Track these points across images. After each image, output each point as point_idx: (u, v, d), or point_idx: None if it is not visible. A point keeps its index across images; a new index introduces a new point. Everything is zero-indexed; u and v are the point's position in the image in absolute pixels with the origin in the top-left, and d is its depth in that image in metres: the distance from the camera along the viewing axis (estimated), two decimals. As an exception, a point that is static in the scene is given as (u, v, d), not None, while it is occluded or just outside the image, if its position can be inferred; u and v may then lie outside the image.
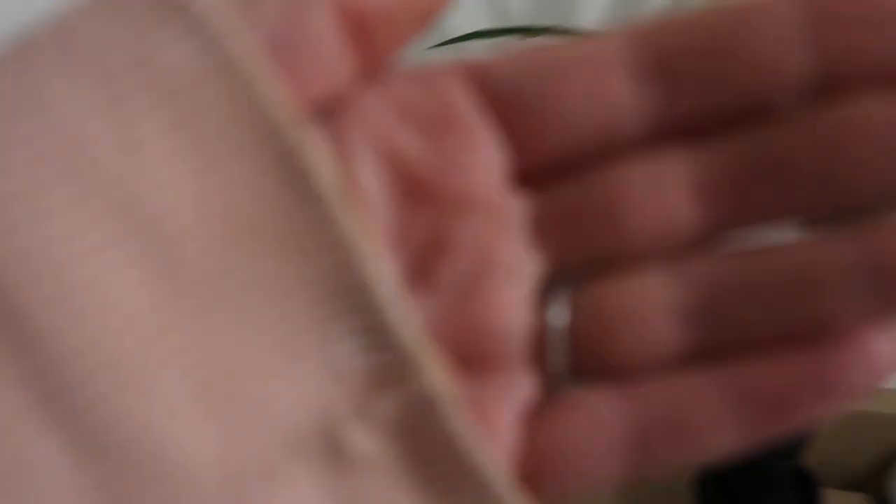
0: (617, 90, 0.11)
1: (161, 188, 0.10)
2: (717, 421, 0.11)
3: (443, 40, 0.44)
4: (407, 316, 0.10)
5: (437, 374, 0.11)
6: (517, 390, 0.12)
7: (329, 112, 0.11)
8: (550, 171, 0.12)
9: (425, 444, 0.11)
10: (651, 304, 0.11)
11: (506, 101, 0.12)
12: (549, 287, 0.12)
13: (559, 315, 0.12)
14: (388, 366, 0.10)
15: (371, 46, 0.11)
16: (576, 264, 0.12)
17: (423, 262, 0.12)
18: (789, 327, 0.11)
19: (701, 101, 0.11)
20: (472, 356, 0.12)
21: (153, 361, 0.09)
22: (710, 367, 0.11)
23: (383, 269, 0.10)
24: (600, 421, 0.11)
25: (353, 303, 0.10)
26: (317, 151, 0.10)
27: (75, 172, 0.09)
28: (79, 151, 0.09)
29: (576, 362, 0.12)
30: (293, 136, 0.10)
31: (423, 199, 0.12)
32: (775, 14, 0.10)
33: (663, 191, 0.11)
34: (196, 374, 0.10)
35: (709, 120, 0.11)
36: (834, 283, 0.11)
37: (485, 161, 0.12)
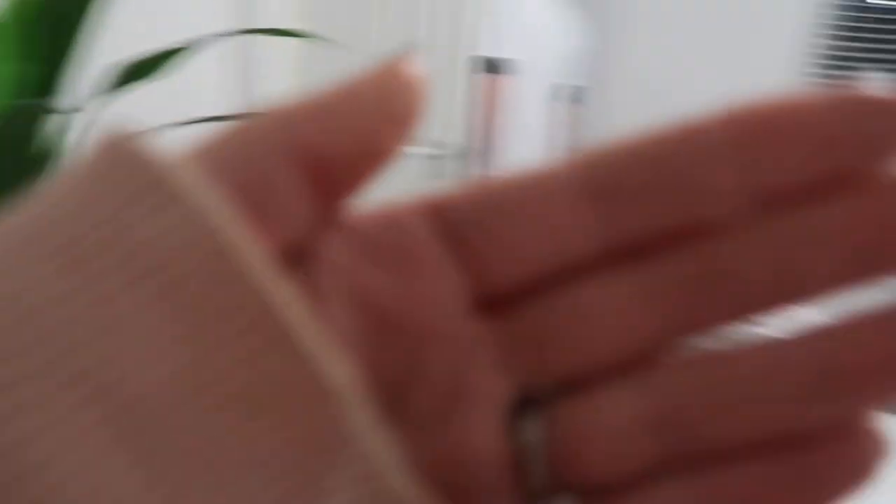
0: (566, 218, 0.12)
1: (143, 366, 0.10)
2: None
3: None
4: (398, 459, 0.11)
5: None
6: None
7: (297, 257, 0.12)
8: (512, 296, 0.12)
9: None
10: (620, 417, 0.12)
11: (464, 233, 0.12)
12: (520, 407, 0.12)
13: (533, 434, 0.12)
14: None
15: (332, 191, 0.12)
16: (544, 384, 0.12)
17: (397, 393, 0.12)
18: (756, 432, 0.11)
19: (644, 221, 0.12)
20: (453, 485, 0.12)
21: None
22: (686, 477, 0.12)
23: (371, 417, 0.10)
24: None
25: (345, 454, 0.10)
26: (296, 305, 0.10)
27: (53, 363, 0.09)
28: (56, 340, 0.09)
29: (554, 479, 0.12)
30: (274, 294, 0.10)
31: (393, 333, 0.12)
32: (705, 138, 0.11)
33: (618, 307, 0.12)
34: None
35: (655, 237, 0.12)
36: (794, 385, 0.11)
37: (448, 293, 0.12)
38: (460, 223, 0.12)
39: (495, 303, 0.12)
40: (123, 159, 0.10)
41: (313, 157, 0.11)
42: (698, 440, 0.12)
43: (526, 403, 0.12)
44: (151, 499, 0.09)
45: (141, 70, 0.57)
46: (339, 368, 0.10)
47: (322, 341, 0.10)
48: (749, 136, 0.11)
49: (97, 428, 0.09)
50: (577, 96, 1.98)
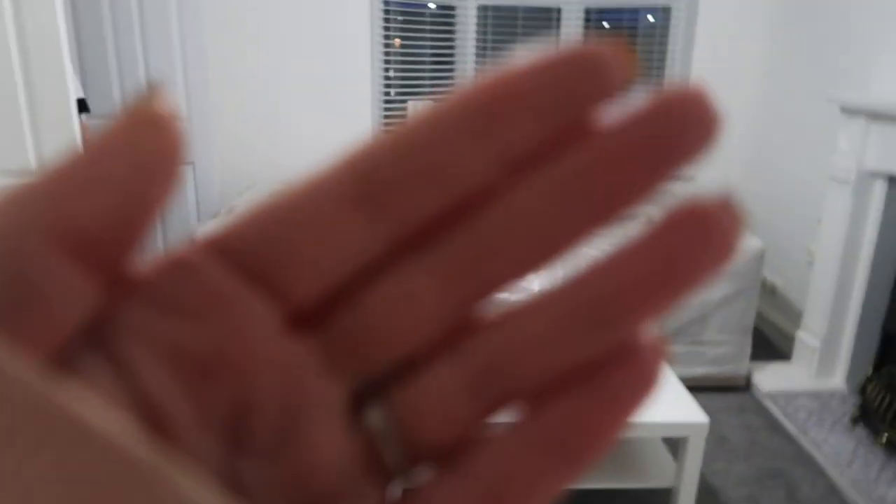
0: (340, 225, 0.12)
1: None
2: (538, 469, 0.13)
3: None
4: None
5: None
6: (370, 501, 0.13)
7: (96, 334, 0.11)
8: (319, 305, 0.13)
9: None
10: (441, 385, 0.13)
11: (251, 262, 0.12)
12: (359, 402, 0.13)
13: (378, 421, 0.13)
14: None
15: (106, 257, 0.11)
16: (371, 376, 0.13)
17: (237, 431, 0.12)
18: (553, 369, 0.13)
19: (411, 211, 0.12)
20: (318, 495, 0.12)
21: None
22: (517, 426, 0.13)
23: (207, 487, 0.10)
24: (447, 500, 0.13)
25: None
26: (89, 400, 0.09)
27: None
28: None
29: (409, 456, 0.13)
30: (60, 399, 0.09)
31: (215, 377, 0.12)
32: (446, 120, 0.12)
33: (413, 294, 0.13)
34: None
35: (429, 220, 0.13)
36: (572, 321, 0.13)
37: (256, 322, 0.12)
38: (245, 253, 0.12)
39: (305, 316, 0.13)
40: None
41: (76, 232, 0.11)
42: (508, 388, 0.13)
43: (363, 396, 0.13)
44: None
45: None
46: (154, 447, 0.09)
47: (126, 424, 0.10)
48: (479, 110, 0.12)
49: None
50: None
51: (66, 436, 0.09)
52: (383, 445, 0.13)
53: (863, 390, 2.28)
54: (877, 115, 2.21)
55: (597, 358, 0.13)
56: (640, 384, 0.13)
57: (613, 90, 0.12)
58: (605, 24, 3.55)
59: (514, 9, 3.54)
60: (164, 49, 2.86)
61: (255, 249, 0.12)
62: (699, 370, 2.49)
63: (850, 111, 2.31)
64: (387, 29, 3.34)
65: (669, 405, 1.77)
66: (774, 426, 2.36)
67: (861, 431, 2.25)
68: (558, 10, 3.52)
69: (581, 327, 0.12)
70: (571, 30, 3.52)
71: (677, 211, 0.12)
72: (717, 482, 2.05)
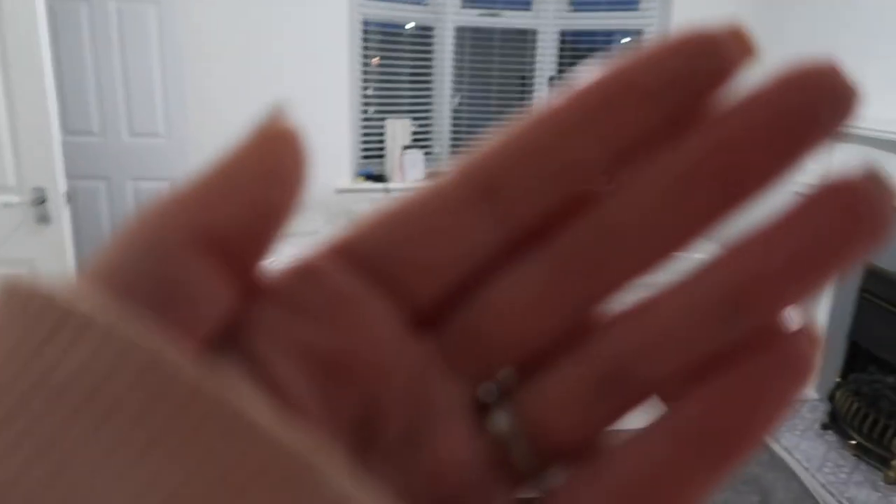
0: (463, 224, 0.12)
1: (103, 495, 0.09)
2: (685, 467, 0.12)
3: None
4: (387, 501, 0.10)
5: None
6: (500, 502, 0.13)
7: (229, 336, 0.12)
8: (439, 307, 0.13)
9: None
10: (568, 387, 0.13)
11: (376, 265, 0.13)
12: (484, 404, 0.13)
13: (505, 423, 0.13)
14: None
15: (241, 261, 0.12)
16: (496, 379, 0.13)
17: (364, 433, 0.12)
18: (689, 361, 0.12)
19: (533, 207, 0.12)
20: (446, 498, 0.12)
21: None
22: (657, 421, 0.12)
23: (349, 472, 0.10)
24: (587, 500, 0.12)
25: None
26: (239, 388, 0.10)
27: None
28: (18, 490, 0.09)
29: (538, 458, 0.13)
30: (214, 385, 0.10)
31: (342, 379, 0.12)
32: (563, 115, 0.12)
33: (533, 292, 0.13)
34: None
35: (549, 217, 0.13)
36: (710, 309, 0.12)
37: (381, 324, 0.13)
38: (370, 256, 0.13)
39: (425, 318, 0.13)
40: (23, 305, 0.10)
41: (215, 238, 0.11)
42: (640, 385, 0.12)
43: (490, 401, 0.13)
44: None
45: None
46: (304, 435, 0.10)
47: (278, 416, 0.10)
48: (595, 101, 0.12)
49: None
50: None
51: (222, 424, 0.09)
52: (511, 448, 0.13)
53: (832, 397, 2.36)
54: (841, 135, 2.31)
55: (737, 348, 0.12)
56: (795, 368, 0.12)
57: (731, 72, 0.11)
58: (580, 47, 3.65)
59: (490, 31, 3.62)
60: (144, 69, 2.88)
61: (378, 253, 0.13)
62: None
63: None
64: (365, 48, 3.39)
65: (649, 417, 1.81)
66: (748, 434, 2.42)
67: (831, 437, 2.32)
68: (534, 33, 3.61)
69: (714, 317, 0.12)
70: (547, 52, 3.62)
71: (822, 187, 0.11)
72: (694, 489, 2.09)
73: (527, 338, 0.13)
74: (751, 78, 0.12)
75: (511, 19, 3.62)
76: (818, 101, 0.11)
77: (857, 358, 2.34)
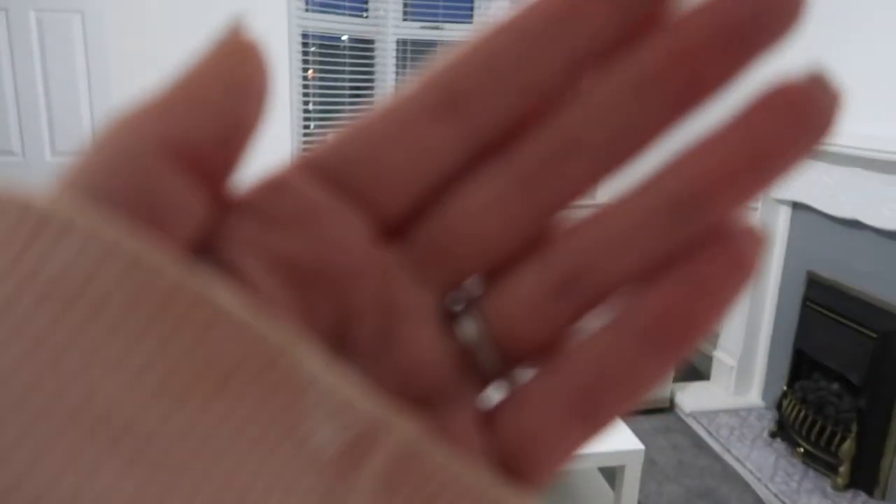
0: (427, 136, 0.13)
1: (95, 386, 0.10)
2: (635, 361, 0.12)
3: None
4: (359, 385, 0.11)
5: (405, 423, 0.11)
6: (468, 404, 0.13)
7: (203, 246, 0.12)
8: (407, 215, 0.13)
9: (421, 486, 0.11)
10: (531, 291, 0.13)
11: (344, 177, 0.13)
12: (450, 307, 0.14)
13: (471, 328, 0.14)
14: (364, 434, 0.11)
15: (212, 173, 0.12)
16: (460, 284, 0.14)
17: (336, 336, 0.13)
18: (644, 262, 0.13)
19: (495, 117, 0.13)
20: (414, 397, 0.13)
21: None
22: (611, 320, 0.13)
23: (324, 357, 0.11)
24: (546, 398, 0.13)
25: (313, 396, 0.11)
26: (219, 284, 0.11)
27: (46, 409, 0.10)
28: (19, 389, 0.10)
29: (503, 359, 0.14)
30: (196, 280, 0.10)
31: (316, 286, 0.13)
32: (522, 25, 0.12)
33: (497, 201, 0.13)
34: None
35: (510, 125, 0.13)
36: (661, 212, 0.12)
37: (352, 234, 0.13)
38: (337, 169, 0.13)
39: (393, 228, 0.13)
40: (1, 211, 0.10)
41: (186, 150, 0.12)
42: (597, 287, 0.13)
43: (455, 303, 0.14)
44: (144, 497, 0.10)
45: None
46: (279, 326, 0.11)
47: (254, 307, 0.11)
48: (553, 10, 0.12)
49: (84, 453, 0.10)
50: None
51: (204, 318, 0.10)
52: (478, 352, 0.14)
53: (779, 406, 2.40)
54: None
55: (685, 248, 0.12)
56: (738, 268, 0.12)
57: None
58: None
59: (432, 43, 3.59)
60: (68, 83, 2.70)
61: (344, 166, 0.13)
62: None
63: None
64: (305, 62, 3.30)
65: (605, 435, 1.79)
66: (700, 445, 2.44)
67: (779, 445, 2.36)
68: (475, 45, 3.60)
69: (665, 217, 0.12)
70: (489, 64, 3.61)
71: (767, 89, 0.12)
72: (650, 504, 2.08)
73: (491, 245, 0.13)
74: None
75: (453, 32, 3.60)
76: (764, 9, 0.11)
77: (802, 365, 2.38)
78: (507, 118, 0.13)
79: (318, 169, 0.13)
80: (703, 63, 0.12)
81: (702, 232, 0.12)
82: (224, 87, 0.12)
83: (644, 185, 0.13)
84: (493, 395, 0.14)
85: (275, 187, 0.13)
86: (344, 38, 3.42)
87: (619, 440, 1.78)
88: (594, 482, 1.93)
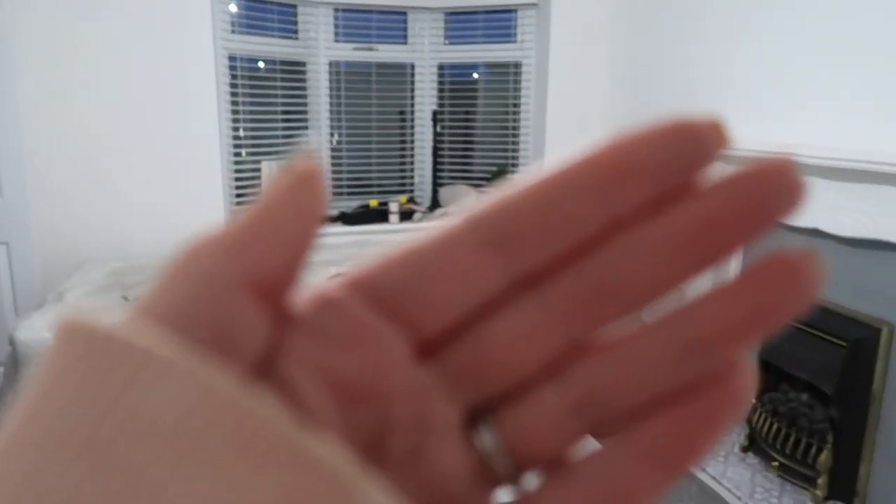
0: (472, 267, 0.14)
1: None
2: (637, 477, 0.14)
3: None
4: None
5: None
6: None
7: (268, 361, 0.13)
8: (445, 337, 0.15)
9: None
10: (549, 409, 0.15)
11: (390, 299, 0.14)
12: (473, 422, 0.15)
13: (490, 439, 0.15)
14: None
15: (279, 295, 0.14)
16: (486, 402, 0.15)
17: (374, 448, 0.14)
18: (651, 393, 0.14)
19: (537, 255, 0.14)
20: (440, 501, 0.14)
21: None
22: (620, 439, 0.14)
23: (383, 488, 0.12)
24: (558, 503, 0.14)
25: None
26: (296, 423, 0.11)
27: None
28: None
29: (518, 466, 0.15)
30: (280, 419, 0.11)
31: (359, 401, 0.14)
32: (569, 179, 0.14)
33: (529, 328, 0.14)
34: None
35: (549, 263, 0.14)
36: (669, 353, 0.14)
37: (394, 352, 0.14)
38: (385, 291, 0.14)
39: (432, 346, 0.15)
40: (87, 343, 0.11)
41: (260, 278, 0.13)
42: (610, 409, 0.14)
43: (477, 417, 0.15)
44: None
45: None
46: (346, 457, 0.11)
47: (322, 439, 0.11)
48: (600, 175, 0.14)
49: None
50: None
51: (287, 457, 0.11)
52: (495, 459, 0.15)
53: (749, 420, 2.37)
54: (733, 160, 2.37)
55: (690, 384, 0.14)
56: (732, 403, 0.14)
57: (713, 157, 0.14)
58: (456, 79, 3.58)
59: (367, 65, 3.47)
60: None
61: (392, 289, 0.14)
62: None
63: (719, 158, 2.46)
64: (234, 86, 3.10)
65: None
66: (673, 466, 2.38)
67: (752, 459, 2.33)
68: (412, 66, 3.50)
69: (676, 357, 0.14)
70: (426, 86, 3.52)
71: (769, 260, 0.14)
72: (636, 535, 2.00)
73: (518, 368, 0.15)
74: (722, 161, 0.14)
75: (387, 53, 3.49)
76: (775, 194, 0.13)
77: (769, 377, 2.37)
78: (546, 259, 0.14)
79: (365, 289, 0.14)
80: (723, 232, 0.14)
81: (704, 370, 0.14)
82: (294, 217, 0.13)
83: (657, 327, 0.14)
84: (504, 495, 0.15)
85: (327, 304, 0.14)
86: (260, 64, 3.24)
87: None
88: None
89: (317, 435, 0.11)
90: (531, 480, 0.15)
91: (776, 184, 0.13)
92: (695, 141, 0.14)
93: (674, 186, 0.14)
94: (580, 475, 0.14)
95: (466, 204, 0.14)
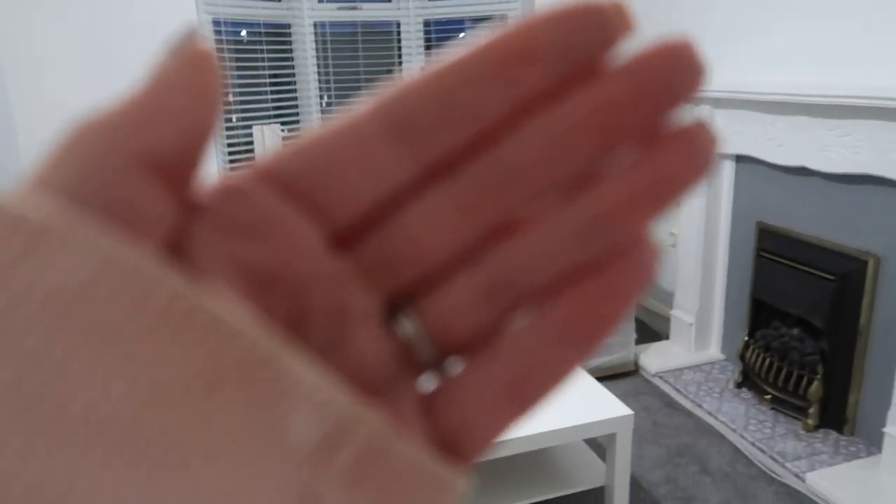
0: (378, 157, 0.14)
1: (97, 396, 0.10)
2: (555, 352, 0.15)
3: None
4: (336, 384, 0.12)
5: (372, 415, 0.13)
6: (409, 393, 0.15)
7: (169, 251, 0.12)
8: (355, 228, 0.15)
9: (384, 473, 0.13)
10: (463, 293, 0.15)
11: (299, 188, 0.14)
12: (391, 310, 0.15)
13: (410, 326, 0.15)
14: (338, 428, 0.12)
15: (177, 180, 0.13)
16: (406, 291, 0.15)
17: (293, 338, 0.13)
18: (558, 271, 0.15)
19: (441, 145, 0.14)
20: (363, 387, 0.14)
21: None
22: (533, 319, 0.15)
23: (306, 357, 0.12)
24: (481, 385, 0.15)
25: (295, 398, 0.12)
26: (213, 295, 0.11)
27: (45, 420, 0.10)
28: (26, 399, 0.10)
29: (438, 351, 0.15)
30: (192, 294, 0.11)
31: (273, 290, 0.13)
32: (470, 65, 0.14)
33: (439, 218, 0.15)
34: None
35: (454, 152, 0.14)
36: (575, 235, 0.14)
37: (306, 242, 0.14)
38: (292, 180, 0.14)
39: (343, 238, 0.14)
40: None
41: (154, 157, 0.12)
42: (521, 290, 0.15)
43: (395, 307, 0.15)
44: (146, 498, 0.10)
45: None
46: (268, 331, 0.11)
47: (237, 309, 0.11)
48: (497, 60, 0.14)
49: (105, 463, 0.10)
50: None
51: (201, 324, 0.11)
52: (416, 346, 0.15)
53: (742, 356, 2.44)
54: (720, 102, 2.39)
55: (596, 260, 0.14)
56: (635, 276, 0.14)
57: (616, 40, 0.14)
58: (447, 36, 3.56)
59: (353, 25, 3.44)
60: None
61: (301, 176, 0.14)
62: (594, 361, 2.54)
63: (696, 100, 2.48)
64: (219, 52, 3.09)
65: (590, 405, 1.75)
66: (670, 404, 2.46)
67: (746, 394, 2.41)
68: (398, 24, 3.48)
69: (579, 234, 0.14)
70: (413, 44, 3.50)
71: (664, 137, 0.14)
72: (634, 470, 2.08)
73: (429, 255, 0.15)
74: (627, 45, 0.14)
75: (371, 12, 3.46)
76: (675, 74, 0.14)
77: (762, 314, 2.44)
78: (452, 147, 0.14)
79: (273, 177, 0.14)
80: (622, 117, 0.14)
81: (610, 246, 0.14)
82: (188, 97, 0.12)
83: (565, 204, 0.14)
84: (427, 384, 0.15)
85: (233, 194, 0.13)
86: (243, 33, 3.21)
87: (607, 409, 1.75)
88: (582, 456, 1.90)
89: (233, 307, 0.11)
90: (454, 366, 0.15)
91: (673, 61, 0.13)
92: (595, 23, 0.13)
93: (579, 71, 0.14)
94: (497, 357, 0.15)
95: (375, 93, 0.14)
